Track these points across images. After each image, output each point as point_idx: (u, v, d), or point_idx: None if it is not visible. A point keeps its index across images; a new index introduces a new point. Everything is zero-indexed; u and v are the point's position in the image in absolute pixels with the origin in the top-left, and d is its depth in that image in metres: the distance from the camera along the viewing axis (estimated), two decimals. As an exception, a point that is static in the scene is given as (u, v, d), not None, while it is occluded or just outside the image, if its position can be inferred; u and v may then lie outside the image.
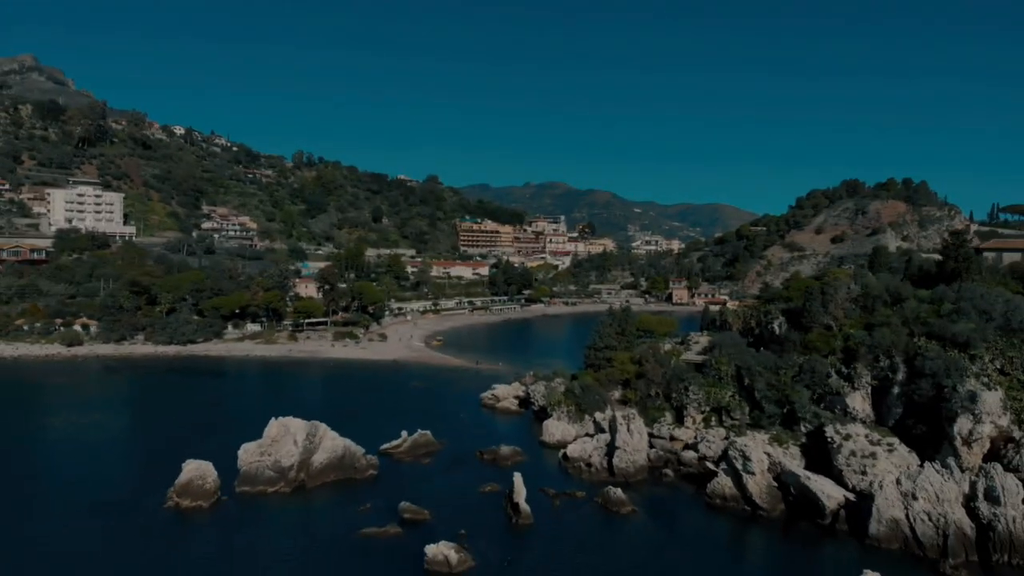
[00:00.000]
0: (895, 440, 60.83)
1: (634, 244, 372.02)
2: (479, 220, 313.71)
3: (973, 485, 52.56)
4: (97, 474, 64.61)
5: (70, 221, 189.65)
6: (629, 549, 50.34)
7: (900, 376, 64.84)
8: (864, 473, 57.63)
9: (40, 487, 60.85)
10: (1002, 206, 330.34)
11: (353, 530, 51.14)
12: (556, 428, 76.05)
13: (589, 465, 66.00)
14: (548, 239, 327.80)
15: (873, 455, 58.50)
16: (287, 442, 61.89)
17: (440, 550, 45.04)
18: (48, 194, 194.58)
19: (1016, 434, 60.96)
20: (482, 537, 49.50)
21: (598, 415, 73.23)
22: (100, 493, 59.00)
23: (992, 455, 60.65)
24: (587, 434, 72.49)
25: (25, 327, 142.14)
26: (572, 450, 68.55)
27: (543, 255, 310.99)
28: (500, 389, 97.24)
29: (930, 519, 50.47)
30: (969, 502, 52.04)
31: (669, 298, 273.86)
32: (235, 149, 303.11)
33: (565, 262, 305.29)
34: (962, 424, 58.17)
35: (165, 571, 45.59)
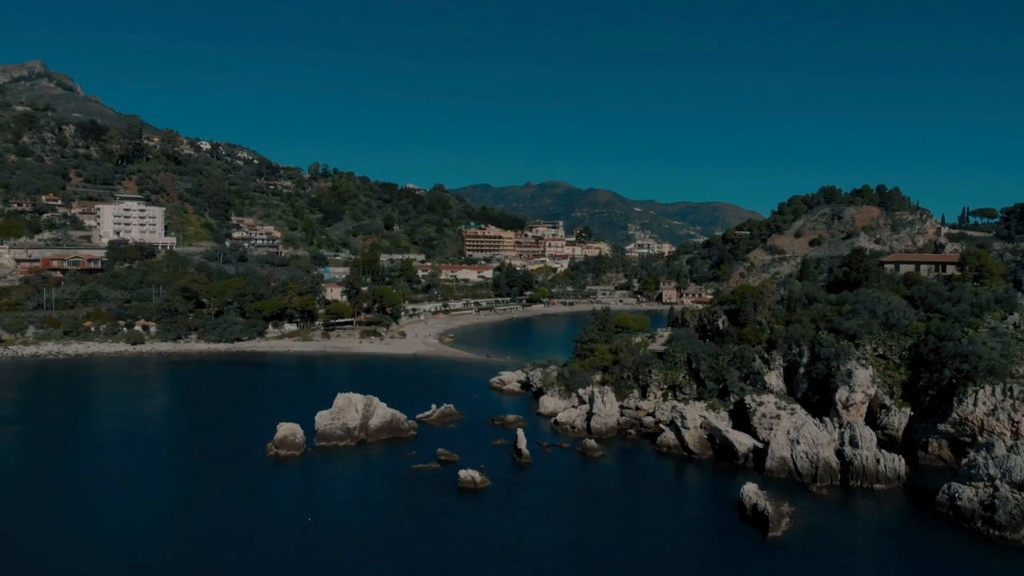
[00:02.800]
0: (796, 406, 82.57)
1: (628, 248, 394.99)
2: (483, 226, 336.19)
3: (842, 435, 74.56)
4: (207, 435, 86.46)
5: (118, 233, 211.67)
6: (598, 477, 72.37)
7: (805, 359, 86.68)
8: (771, 429, 79.28)
9: (170, 444, 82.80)
10: (972, 209, 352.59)
11: (405, 467, 73.19)
12: (549, 402, 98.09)
13: (573, 427, 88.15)
14: (547, 243, 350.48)
15: (778, 416, 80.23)
16: (351, 410, 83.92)
17: (469, 474, 67.06)
18: (98, 209, 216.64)
19: (887, 401, 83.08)
20: (496, 469, 71.44)
21: (581, 391, 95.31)
22: (216, 447, 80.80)
23: (870, 417, 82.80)
24: (573, 406, 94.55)
25: (92, 328, 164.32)
26: (561, 417, 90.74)
27: (543, 258, 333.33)
28: (506, 375, 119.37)
29: (807, 457, 72.29)
30: (840, 446, 74.05)
31: (660, 298, 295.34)
32: (256, 162, 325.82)
33: (563, 265, 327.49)
34: (841, 393, 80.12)
35: (278, 494, 67.37)
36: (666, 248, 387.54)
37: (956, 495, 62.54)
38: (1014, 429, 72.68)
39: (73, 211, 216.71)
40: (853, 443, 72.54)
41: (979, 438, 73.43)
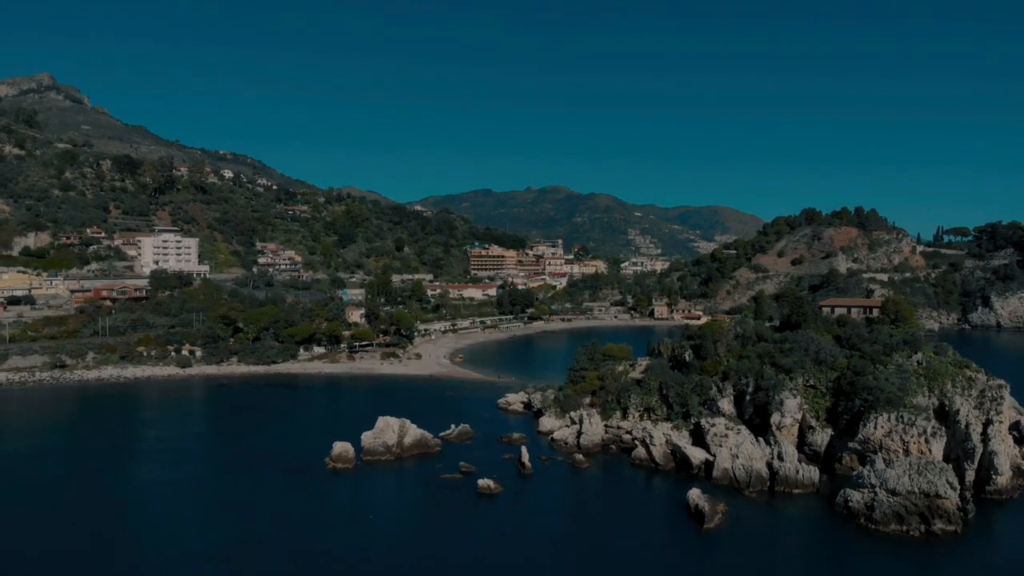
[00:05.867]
0: (743, 427, 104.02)
1: (623, 265, 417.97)
2: (486, 246, 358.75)
3: (772, 451, 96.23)
4: (272, 450, 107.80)
5: (157, 263, 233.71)
6: (584, 485, 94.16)
7: (751, 389, 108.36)
8: (721, 445, 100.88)
9: (243, 458, 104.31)
10: (946, 228, 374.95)
11: (435, 476, 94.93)
12: (547, 422, 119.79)
13: (566, 443, 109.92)
14: (547, 262, 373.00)
15: (726, 435, 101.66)
16: (389, 431, 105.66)
17: (486, 482, 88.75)
18: (138, 240, 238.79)
19: (814, 423, 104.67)
20: (506, 478, 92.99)
21: (572, 413, 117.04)
22: (282, 461, 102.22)
23: (801, 435, 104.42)
24: (566, 425, 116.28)
25: (144, 353, 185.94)
26: (556, 435, 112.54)
27: (543, 276, 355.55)
28: (510, 397, 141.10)
29: (743, 468, 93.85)
30: (770, 460, 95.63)
31: (652, 314, 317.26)
32: (275, 187, 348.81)
33: (562, 282, 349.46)
34: (775, 418, 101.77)
35: (344, 498, 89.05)
36: (658, 265, 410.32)
37: (848, 498, 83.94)
38: (904, 447, 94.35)
39: (116, 243, 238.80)
40: (780, 457, 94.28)
41: (878, 454, 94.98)
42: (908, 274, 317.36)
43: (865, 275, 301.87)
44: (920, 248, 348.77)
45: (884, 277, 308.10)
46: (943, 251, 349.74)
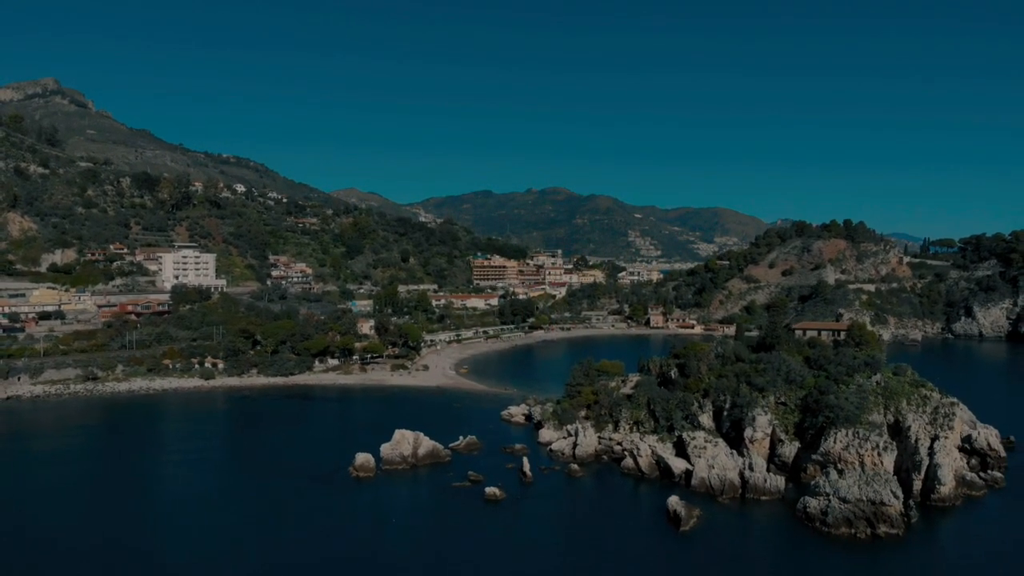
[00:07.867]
0: (720, 440, 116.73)
1: (620, 275, 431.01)
2: (488, 256, 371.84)
3: (743, 462, 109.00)
4: (299, 460, 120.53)
5: (177, 277, 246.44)
6: (577, 492, 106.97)
7: (728, 405, 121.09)
8: (699, 457, 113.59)
9: (273, 468, 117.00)
10: (933, 240, 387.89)
11: (447, 484, 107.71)
12: (546, 434, 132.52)
13: (563, 454, 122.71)
14: (547, 272, 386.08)
15: (705, 447, 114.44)
16: (404, 442, 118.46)
17: (492, 490, 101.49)
18: (159, 256, 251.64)
19: (783, 437, 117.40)
20: (510, 486, 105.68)
21: (569, 426, 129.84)
22: (309, 470, 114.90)
23: (773, 447, 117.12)
24: (563, 437, 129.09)
25: (170, 365, 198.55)
26: (554, 446, 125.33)
27: (543, 286, 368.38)
28: (513, 409, 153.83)
29: (718, 478, 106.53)
30: (742, 470, 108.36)
31: (648, 323, 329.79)
32: (284, 200, 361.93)
33: (562, 292, 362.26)
34: (748, 432, 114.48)
35: (368, 503, 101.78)
36: (655, 275, 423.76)
37: (806, 505, 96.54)
38: (860, 460, 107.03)
39: (138, 258, 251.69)
40: (750, 468, 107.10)
41: (837, 465, 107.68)
42: (895, 284, 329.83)
43: (852, 286, 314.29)
44: (907, 259, 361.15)
45: (871, 288, 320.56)
46: (929, 262, 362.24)
